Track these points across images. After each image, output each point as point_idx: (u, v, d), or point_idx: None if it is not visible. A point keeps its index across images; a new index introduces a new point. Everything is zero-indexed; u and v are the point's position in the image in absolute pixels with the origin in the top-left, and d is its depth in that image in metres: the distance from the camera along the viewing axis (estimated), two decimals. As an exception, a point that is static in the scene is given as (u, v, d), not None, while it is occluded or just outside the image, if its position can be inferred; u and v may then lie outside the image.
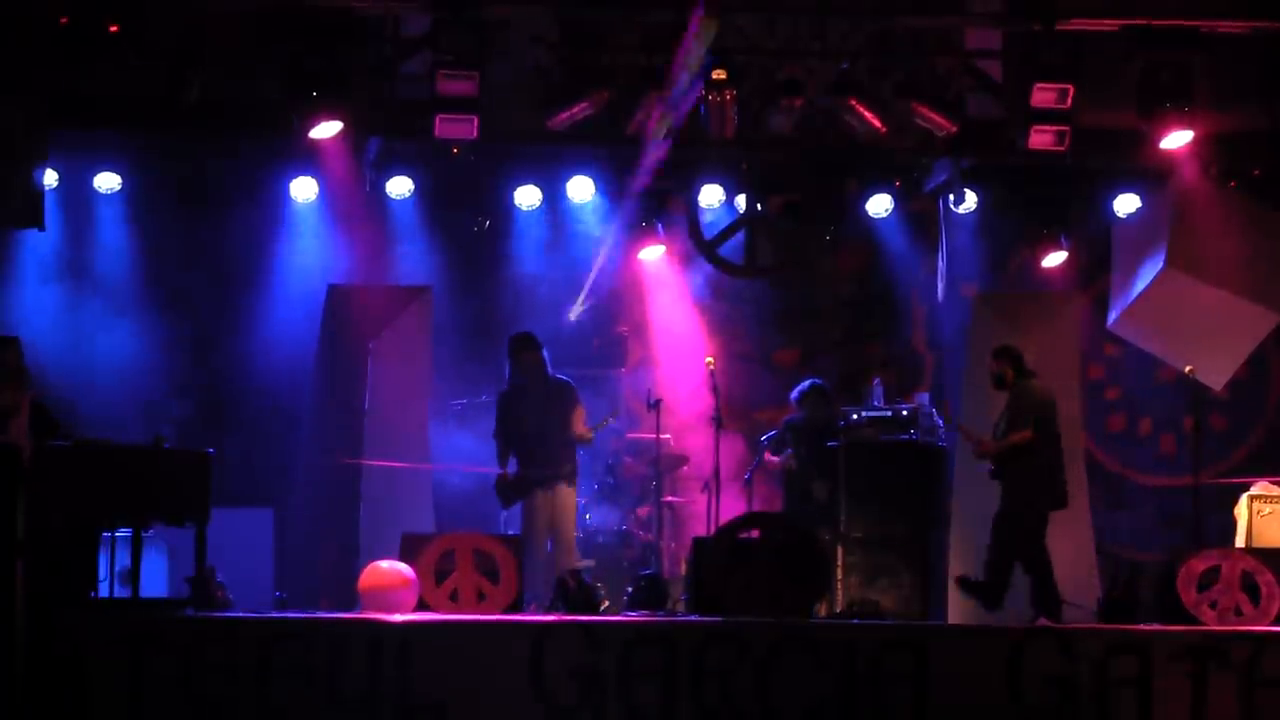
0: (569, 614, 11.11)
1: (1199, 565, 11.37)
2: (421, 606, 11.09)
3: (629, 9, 12.77)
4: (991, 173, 14.39)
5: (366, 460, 13.23)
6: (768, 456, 13.56)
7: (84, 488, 10.39)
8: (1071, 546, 13.34)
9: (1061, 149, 12.84)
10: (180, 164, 14.22)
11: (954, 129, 13.01)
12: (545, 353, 12.69)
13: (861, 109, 12.81)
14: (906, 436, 13.03)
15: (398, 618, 10.47)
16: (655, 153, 13.08)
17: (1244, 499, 12.66)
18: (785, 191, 14.47)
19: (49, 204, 12.99)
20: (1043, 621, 11.59)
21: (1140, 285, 13.61)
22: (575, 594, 11.38)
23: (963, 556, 13.24)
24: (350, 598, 11.60)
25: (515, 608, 11.27)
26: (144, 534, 11.02)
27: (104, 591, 10.96)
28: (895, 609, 12.34)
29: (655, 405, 13.00)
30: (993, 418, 12.54)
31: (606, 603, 12.12)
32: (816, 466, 13.24)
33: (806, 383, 13.58)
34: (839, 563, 12.91)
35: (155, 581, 11.88)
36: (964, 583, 12.25)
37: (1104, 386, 15.15)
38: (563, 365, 12.99)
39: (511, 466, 12.66)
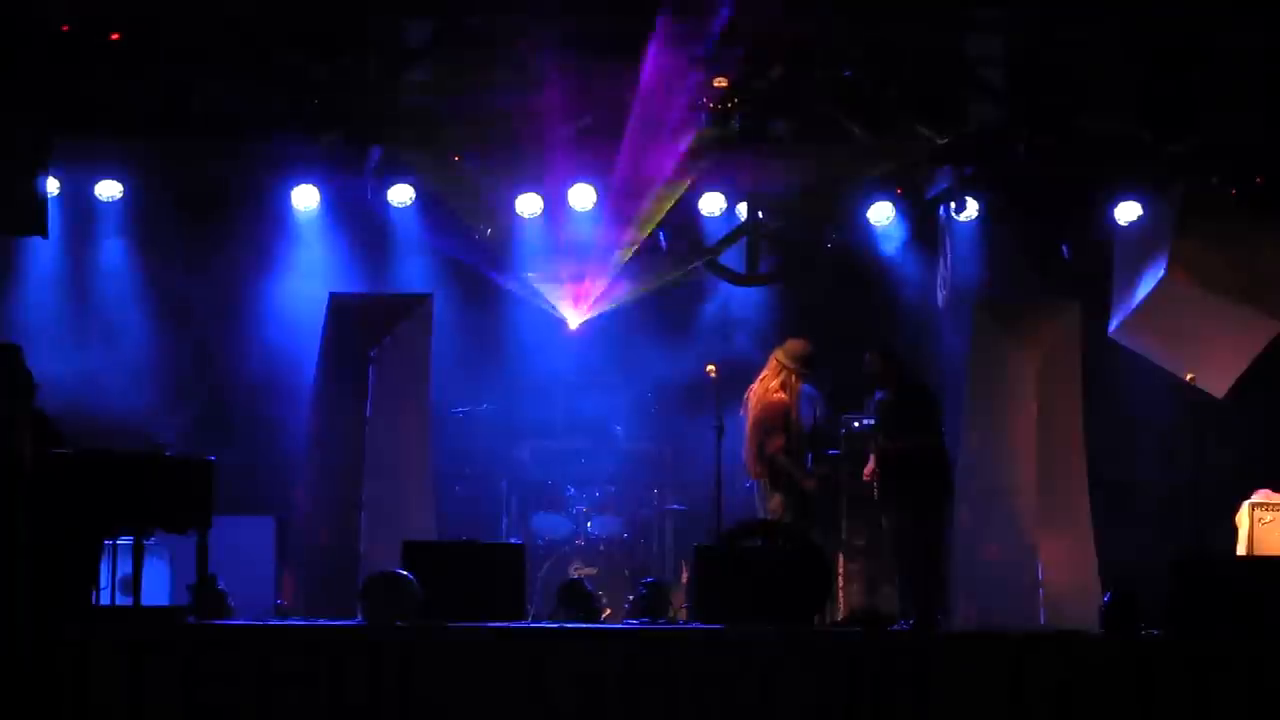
0: (570, 622, 11.10)
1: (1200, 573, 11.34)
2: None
3: (630, 17, 12.77)
4: (993, 180, 14.38)
5: (368, 468, 13.22)
6: None
7: (85, 496, 10.41)
8: (1072, 554, 13.32)
9: (1063, 157, 12.85)
10: (182, 172, 14.22)
11: (956, 137, 13.01)
12: None
13: (863, 116, 12.82)
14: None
15: (399, 626, 10.46)
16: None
17: (1245, 507, 12.66)
18: (786, 199, 14.47)
19: (50, 212, 13.01)
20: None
21: (1141, 293, 13.61)
22: (577, 602, 11.37)
23: (963, 562, 13.22)
24: (352, 606, 11.60)
25: (517, 616, 11.26)
26: (145, 542, 11.02)
27: (105, 600, 11.00)
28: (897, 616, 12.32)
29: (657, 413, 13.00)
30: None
31: (608, 610, 12.12)
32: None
33: None
34: (840, 570, 12.90)
35: (157, 590, 11.89)
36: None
37: (1105, 394, 15.12)
38: (565, 373, 12.95)
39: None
